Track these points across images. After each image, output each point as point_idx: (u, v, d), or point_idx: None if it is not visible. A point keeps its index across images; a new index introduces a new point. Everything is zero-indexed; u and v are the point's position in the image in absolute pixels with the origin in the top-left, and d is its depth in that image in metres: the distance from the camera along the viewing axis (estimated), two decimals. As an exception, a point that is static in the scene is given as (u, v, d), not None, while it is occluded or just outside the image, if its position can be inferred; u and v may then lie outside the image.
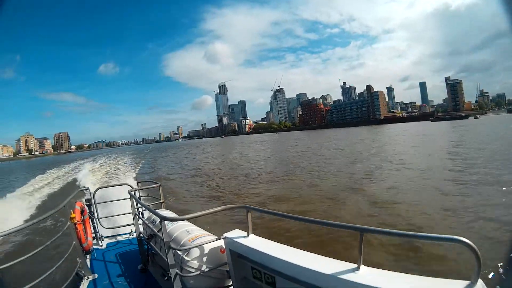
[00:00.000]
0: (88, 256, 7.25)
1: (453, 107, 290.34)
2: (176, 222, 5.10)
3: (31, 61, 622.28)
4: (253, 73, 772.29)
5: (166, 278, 5.54)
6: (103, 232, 8.80)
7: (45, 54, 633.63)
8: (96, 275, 6.64)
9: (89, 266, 6.86)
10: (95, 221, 8.49)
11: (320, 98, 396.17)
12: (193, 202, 21.09)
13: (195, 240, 4.78)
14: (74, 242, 6.49)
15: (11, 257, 11.22)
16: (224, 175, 33.28)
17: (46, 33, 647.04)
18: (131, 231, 9.04)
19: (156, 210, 6.22)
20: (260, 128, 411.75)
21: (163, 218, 4.64)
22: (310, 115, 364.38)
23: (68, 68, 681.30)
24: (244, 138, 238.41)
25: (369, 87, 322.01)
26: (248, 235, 4.59)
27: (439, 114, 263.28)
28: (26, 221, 18.03)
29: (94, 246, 8.05)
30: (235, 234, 4.75)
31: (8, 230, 4.79)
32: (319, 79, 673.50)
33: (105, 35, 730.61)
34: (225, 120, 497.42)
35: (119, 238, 9.00)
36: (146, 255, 6.68)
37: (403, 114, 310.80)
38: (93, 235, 8.17)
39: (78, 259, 6.60)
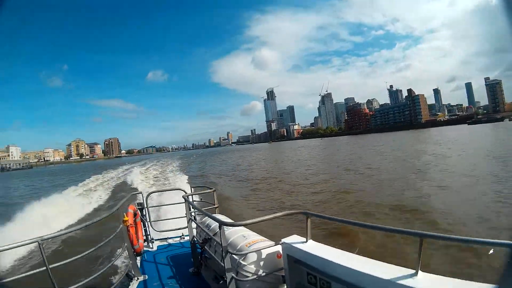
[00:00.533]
0: (138, 258, 7.38)
1: (493, 108, 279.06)
2: (233, 227, 5.03)
3: (79, 70, 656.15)
4: (301, 78, 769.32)
5: (219, 281, 5.97)
6: (154, 235, 8.94)
7: (92, 62, 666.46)
8: (146, 277, 6.77)
9: (139, 267, 7.00)
10: (146, 224, 8.64)
11: (366, 102, 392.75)
12: (246, 207, 20.91)
13: (252, 245, 4.85)
14: (125, 244, 6.64)
15: (65, 256, 9.32)
16: (275, 180, 33.04)
17: (93, 42, 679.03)
18: (182, 235, 9.18)
19: (207, 217, 6.70)
20: (308, 133, 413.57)
21: (222, 223, 4.66)
22: (355, 120, 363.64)
23: (117, 76, 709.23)
24: (291, 143, 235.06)
25: (410, 91, 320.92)
26: (306, 241, 4.56)
27: (478, 116, 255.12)
28: (79, 221, 19.46)
29: (145, 249, 8.19)
30: (293, 239, 4.72)
31: (65, 230, 5.08)
32: (367, 82, 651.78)
33: (152, 43, 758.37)
34: (273, 126, 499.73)
35: (170, 241, 9.14)
36: (199, 258, 6.74)
37: (446, 117, 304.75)
38: (144, 237, 8.32)
39: (129, 260, 6.79)
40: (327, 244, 4.53)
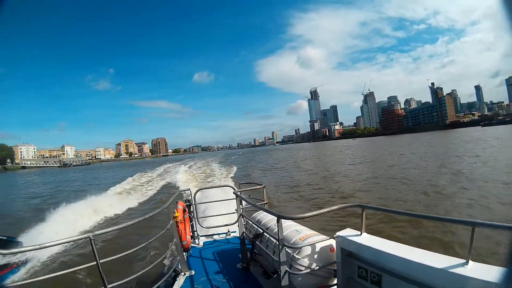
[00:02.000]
0: (185, 253, 7.48)
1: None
2: (285, 222, 4.94)
3: (125, 73, 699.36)
4: (346, 76, 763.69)
5: (268, 277, 6.09)
6: (200, 231, 9.05)
7: (138, 66, 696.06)
8: (193, 272, 6.86)
9: (186, 263, 7.09)
10: (193, 221, 8.78)
11: (404, 101, 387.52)
12: (292, 203, 21.14)
13: (306, 239, 4.90)
14: (175, 239, 6.77)
15: (118, 250, 9.62)
16: (316, 176, 33.65)
17: (138, 46, 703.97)
18: (228, 231, 9.29)
19: (259, 212, 7.06)
20: (347, 133, 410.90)
21: (280, 217, 4.68)
22: (389, 120, 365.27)
23: (162, 78, 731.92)
24: (330, 143, 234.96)
25: (436, 92, 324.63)
26: (361, 234, 4.58)
27: (499, 117, 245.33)
28: (127, 215, 20.51)
29: (192, 245, 8.32)
30: (348, 233, 4.74)
31: (117, 226, 5.21)
32: (412, 79, 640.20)
33: (196, 45, 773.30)
34: (316, 126, 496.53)
35: (215, 237, 9.21)
36: (250, 254, 6.74)
37: (473, 117, 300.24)
38: (191, 234, 8.43)
39: (177, 255, 6.97)
40: (381, 237, 4.59)
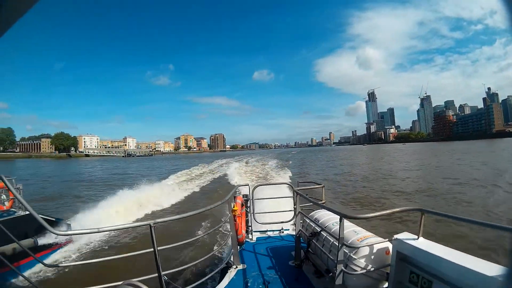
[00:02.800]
0: (239, 247, 7.60)
1: None
2: (340, 222, 4.85)
3: (184, 70, 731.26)
4: (404, 78, 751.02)
5: (319, 276, 6.11)
6: (255, 226, 9.21)
7: (197, 62, 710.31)
8: (246, 266, 6.93)
9: (239, 256, 7.20)
10: (249, 216, 8.91)
11: (459, 107, 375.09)
12: (349, 204, 21.01)
13: (364, 240, 4.94)
14: (231, 232, 6.94)
15: (173, 240, 10.61)
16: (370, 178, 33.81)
17: (198, 44, 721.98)
18: (282, 229, 9.39)
19: (317, 211, 7.08)
20: (401, 137, 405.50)
21: (343, 216, 4.74)
22: (441, 126, 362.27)
23: (222, 75, 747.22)
24: (380, 147, 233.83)
25: (484, 100, 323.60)
26: (418, 238, 4.57)
27: None
28: (185, 204, 21.53)
29: (245, 239, 8.47)
30: (405, 236, 4.74)
31: (177, 216, 5.38)
32: (470, 83, 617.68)
33: (256, 44, 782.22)
34: (372, 128, 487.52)
35: (269, 234, 9.30)
36: (304, 252, 6.80)
37: None
38: (246, 228, 8.62)
39: (231, 249, 7.06)
40: (438, 242, 4.43)
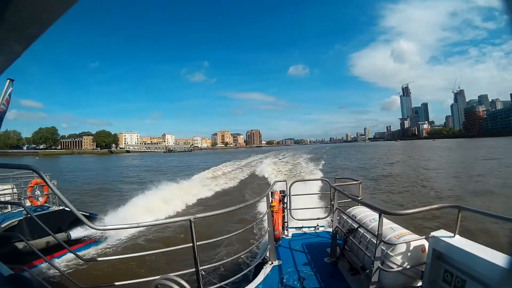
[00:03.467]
0: (275, 243, 7.50)
1: None
2: (379, 218, 4.77)
3: (219, 66, 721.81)
4: (439, 71, 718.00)
5: (354, 274, 6.06)
6: (291, 222, 9.18)
7: (232, 58, 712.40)
8: (281, 262, 6.89)
9: (275, 252, 7.16)
10: (286, 212, 8.84)
11: (490, 102, 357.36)
12: (387, 201, 20.51)
13: (401, 237, 4.88)
14: (268, 228, 6.89)
15: (213, 234, 11.36)
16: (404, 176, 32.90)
17: (232, 40, 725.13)
18: (317, 225, 9.32)
19: (353, 208, 6.93)
20: (434, 133, 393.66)
21: (383, 212, 4.68)
22: (471, 122, 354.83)
23: (257, 71, 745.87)
24: (415, 142, 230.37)
25: None
26: (454, 236, 4.42)
27: None
28: (222, 199, 20.29)
29: (281, 235, 8.43)
30: (441, 234, 4.60)
31: (216, 211, 5.33)
32: (505, 76, 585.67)
33: (291, 39, 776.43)
34: (406, 124, 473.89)
35: (304, 230, 9.25)
36: (340, 249, 6.69)
37: None
38: (282, 224, 8.56)
39: (267, 244, 6.99)
40: (476, 242, 4.25)
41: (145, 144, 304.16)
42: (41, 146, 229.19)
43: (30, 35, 2.94)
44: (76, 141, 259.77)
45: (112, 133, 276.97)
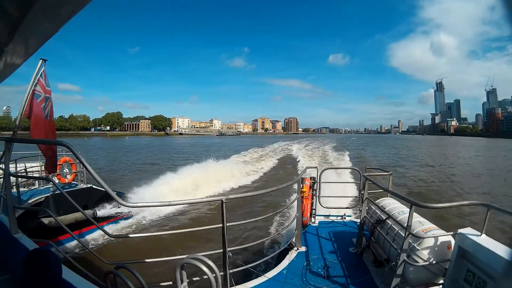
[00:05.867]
0: (302, 229, 7.20)
1: None
2: (410, 210, 4.49)
3: (259, 52, 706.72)
4: (477, 67, 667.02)
5: (377, 265, 5.76)
6: (318, 210, 8.71)
7: (272, 44, 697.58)
8: (306, 248, 6.65)
9: (301, 238, 6.88)
10: (314, 199, 8.40)
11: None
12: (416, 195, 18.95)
13: (428, 232, 4.59)
14: (297, 214, 6.50)
15: (241, 216, 12.20)
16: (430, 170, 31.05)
17: (274, 26, 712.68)
18: (344, 214, 8.86)
19: (382, 199, 6.52)
20: (460, 130, 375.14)
21: (414, 204, 4.41)
22: (490, 123, 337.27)
23: (296, 58, 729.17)
24: (439, 138, 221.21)
25: None
26: (481, 234, 4.13)
27: None
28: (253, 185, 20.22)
29: (308, 222, 8.13)
30: (467, 231, 4.28)
31: (247, 193, 5.26)
32: None
33: (331, 27, 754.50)
34: (437, 119, 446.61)
35: (332, 218, 8.83)
36: (366, 240, 6.41)
37: None
38: (310, 211, 8.25)
39: (295, 230, 6.68)
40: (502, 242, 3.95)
41: (194, 127, 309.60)
42: (107, 128, 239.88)
43: (63, 15, 2.84)
44: (133, 124, 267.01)
45: (167, 118, 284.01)
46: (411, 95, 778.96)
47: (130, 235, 5.17)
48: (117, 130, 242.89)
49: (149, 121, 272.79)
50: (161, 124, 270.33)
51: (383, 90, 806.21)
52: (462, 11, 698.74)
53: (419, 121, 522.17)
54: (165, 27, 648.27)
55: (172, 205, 4.18)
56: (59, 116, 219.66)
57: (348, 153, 46.91)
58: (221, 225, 4.33)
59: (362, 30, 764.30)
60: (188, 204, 11.12)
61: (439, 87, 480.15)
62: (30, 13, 2.66)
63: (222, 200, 4.28)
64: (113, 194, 3.82)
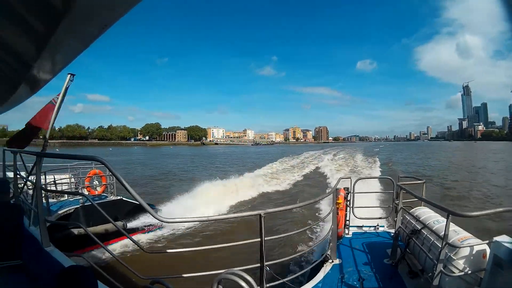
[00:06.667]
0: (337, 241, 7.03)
1: None
2: (447, 219, 4.36)
3: (287, 60, 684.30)
4: (504, 67, 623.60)
5: (413, 277, 5.54)
6: (352, 221, 8.41)
7: (300, 53, 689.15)
8: (341, 260, 6.41)
9: (336, 250, 6.65)
10: (348, 210, 8.11)
11: None
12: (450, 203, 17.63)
13: (464, 241, 4.37)
14: (332, 225, 6.31)
15: (278, 230, 11.91)
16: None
17: (301, 34, 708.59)
18: (377, 225, 8.53)
19: (417, 208, 6.25)
20: (486, 135, 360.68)
21: (451, 213, 4.26)
22: None
23: (324, 65, 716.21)
24: (466, 144, 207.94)
25: None
26: None
27: None
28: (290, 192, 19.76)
29: (343, 234, 7.88)
30: (504, 239, 4.05)
31: (286, 207, 5.17)
32: None
33: (358, 33, 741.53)
34: (464, 124, 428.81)
35: (365, 229, 8.52)
36: (401, 250, 6.12)
37: None
38: (344, 222, 7.99)
39: (329, 242, 6.44)
40: None
41: (228, 137, 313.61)
42: (146, 138, 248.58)
43: (94, 30, 2.76)
44: (170, 134, 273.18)
45: (202, 128, 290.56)
46: (440, 99, 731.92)
47: (167, 250, 4.80)
48: (156, 140, 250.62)
49: (185, 131, 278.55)
50: (197, 134, 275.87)
51: (411, 95, 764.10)
52: (485, 8, 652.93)
53: (447, 126, 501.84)
54: (194, 37, 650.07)
55: (209, 221, 3.65)
56: (99, 126, 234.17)
57: (378, 160, 46.24)
58: (259, 239, 4.15)
59: (388, 34, 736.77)
60: (226, 219, 10.48)
61: (466, 90, 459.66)
62: (58, 29, 2.62)
63: (260, 215, 4.14)
64: (148, 207, 3.60)
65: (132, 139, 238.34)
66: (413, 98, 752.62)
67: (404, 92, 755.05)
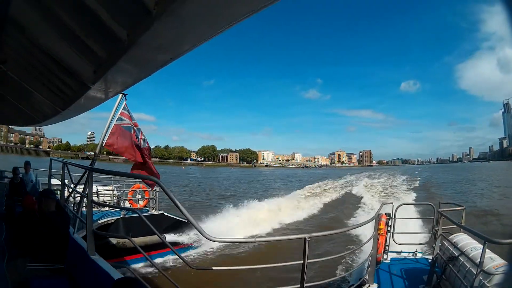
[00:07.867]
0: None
1: None
2: (483, 247, 4.19)
3: (332, 82, 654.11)
4: None
5: None
6: (391, 247, 8.03)
7: (343, 75, 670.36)
8: (378, 286, 6.24)
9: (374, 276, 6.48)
10: (388, 235, 7.75)
11: None
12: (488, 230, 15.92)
13: (499, 268, 4.18)
14: (372, 250, 6.11)
15: (319, 250, 11.25)
16: None
17: (342, 56, 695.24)
18: (416, 251, 8.15)
19: (456, 235, 6.02)
20: None
21: (488, 241, 4.10)
22: None
23: (366, 87, 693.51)
24: (504, 164, 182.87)
25: None
26: None
27: None
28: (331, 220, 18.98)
29: (381, 259, 7.62)
30: None
31: (330, 231, 5.24)
32: None
33: (402, 53, 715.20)
34: (504, 143, 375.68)
35: (404, 255, 8.13)
36: (437, 277, 5.89)
37: None
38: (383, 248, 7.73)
39: (367, 267, 6.28)
40: None
41: (278, 160, 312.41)
42: (202, 159, 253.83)
43: (158, 62, 2.81)
44: (222, 156, 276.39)
45: (253, 151, 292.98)
46: (482, 119, 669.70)
47: (212, 267, 4.80)
48: (210, 161, 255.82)
49: (237, 153, 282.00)
50: (249, 157, 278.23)
51: (454, 115, 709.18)
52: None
53: (489, 146, 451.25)
54: (239, 59, 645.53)
55: (256, 242, 3.65)
56: (156, 146, 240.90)
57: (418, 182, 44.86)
58: (301, 261, 4.06)
59: (429, 53, 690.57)
60: (272, 241, 10.18)
61: (507, 108, 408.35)
62: (120, 61, 2.66)
63: (305, 238, 4.07)
64: (198, 226, 3.64)
65: (189, 159, 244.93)
66: (456, 118, 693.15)
67: (447, 112, 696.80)
